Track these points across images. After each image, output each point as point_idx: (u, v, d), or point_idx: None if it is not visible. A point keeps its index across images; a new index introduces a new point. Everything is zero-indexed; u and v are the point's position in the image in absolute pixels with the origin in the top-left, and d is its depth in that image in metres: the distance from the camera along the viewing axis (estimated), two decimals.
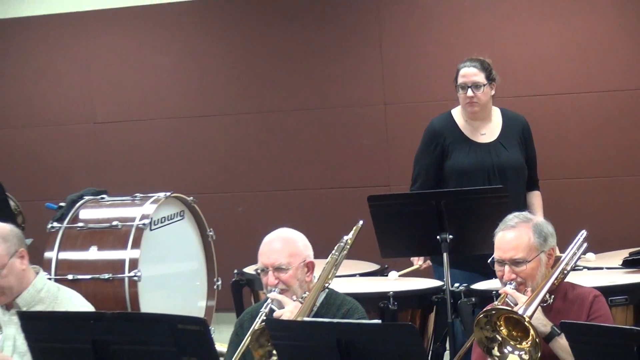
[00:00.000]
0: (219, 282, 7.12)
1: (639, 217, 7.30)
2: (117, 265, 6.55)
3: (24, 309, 4.95)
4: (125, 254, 6.54)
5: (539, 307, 4.26)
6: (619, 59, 7.62)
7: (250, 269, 5.86)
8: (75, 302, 5.18)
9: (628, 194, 7.50)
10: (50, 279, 5.82)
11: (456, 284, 5.69)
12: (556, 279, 4.40)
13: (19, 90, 9.29)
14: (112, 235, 6.66)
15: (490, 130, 6.30)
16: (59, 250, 6.67)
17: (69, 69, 9.15)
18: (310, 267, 4.92)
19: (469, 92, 6.13)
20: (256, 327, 4.64)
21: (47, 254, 6.48)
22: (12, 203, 6.88)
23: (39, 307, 5.00)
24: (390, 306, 5.63)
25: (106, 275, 6.53)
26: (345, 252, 5.00)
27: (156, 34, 8.91)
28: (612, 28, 7.71)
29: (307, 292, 4.83)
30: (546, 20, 7.85)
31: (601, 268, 5.75)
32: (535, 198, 6.11)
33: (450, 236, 5.62)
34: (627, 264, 5.76)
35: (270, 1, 8.50)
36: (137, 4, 8.90)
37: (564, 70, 7.78)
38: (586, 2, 7.76)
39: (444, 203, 5.74)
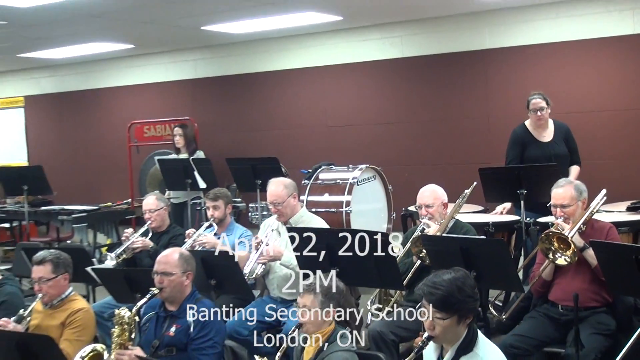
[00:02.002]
0: (394, 215, 7.13)
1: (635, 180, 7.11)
2: (339, 204, 6.64)
3: (293, 224, 5.05)
4: (343, 198, 6.62)
5: (577, 232, 4.19)
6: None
7: (411, 207, 5.87)
8: (317, 222, 5.25)
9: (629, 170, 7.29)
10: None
11: (527, 218, 5.63)
12: (587, 216, 4.31)
13: (281, 109, 9.44)
14: (336, 187, 6.75)
15: (547, 134, 6.20)
16: (308, 195, 6.81)
17: (311, 94, 9.26)
18: (445, 206, 4.93)
19: (538, 114, 6.06)
20: (414, 237, 4.67)
21: (302, 197, 6.59)
22: (283, 169, 7.01)
23: (300, 224, 5.08)
24: (490, 230, 5.59)
25: (333, 209, 6.63)
26: (465, 198, 5.00)
27: (369, 80, 8.94)
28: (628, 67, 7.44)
29: (443, 220, 4.83)
30: (585, 65, 7.61)
31: (612, 212, 5.60)
32: (573, 169, 5.97)
33: (525, 191, 5.57)
34: (629, 209, 5.67)
35: (423, 65, 8.45)
36: (356, 60, 8.96)
37: (594, 97, 7.52)
38: (612, 54, 7.48)
39: (522, 173, 5.68)
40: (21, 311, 4.32)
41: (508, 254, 4.73)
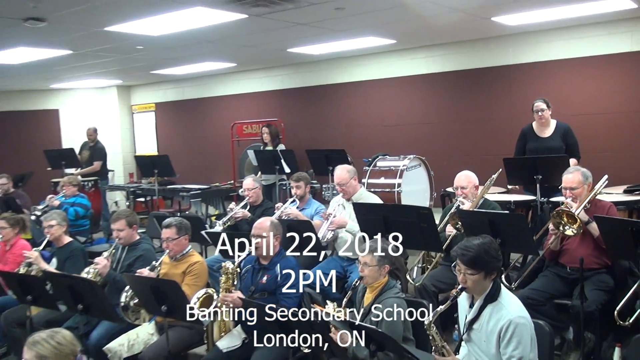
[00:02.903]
0: (434, 194, 7.03)
1: (634, 165, 6.89)
2: (392, 186, 6.58)
3: (354, 201, 5.03)
4: (395, 181, 6.56)
5: (582, 209, 4.06)
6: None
7: (449, 189, 5.79)
8: (373, 199, 5.23)
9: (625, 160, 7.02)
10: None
11: (542, 198, 5.49)
12: (591, 197, 4.16)
13: (348, 111, 9.42)
14: (390, 172, 6.68)
15: (548, 131, 6.02)
16: (368, 178, 6.77)
17: (371, 101, 9.20)
18: (476, 187, 4.84)
19: (539, 114, 5.94)
20: (452, 211, 4.60)
21: (363, 180, 6.56)
22: (349, 158, 6.98)
23: (360, 201, 5.07)
24: (511, 207, 5.47)
25: (387, 189, 6.57)
26: (492, 182, 4.89)
27: (416, 90, 8.83)
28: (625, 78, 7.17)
29: (474, 199, 4.74)
30: (590, 77, 7.36)
31: (611, 193, 5.40)
32: (571, 162, 5.66)
33: (540, 176, 5.41)
34: (625, 192, 5.52)
35: (458, 77, 8.31)
36: (406, 74, 8.85)
37: (596, 102, 7.26)
38: (612, 68, 7.23)
39: (538, 162, 5.52)
40: (154, 262, 4.44)
41: (526, 225, 4.64)
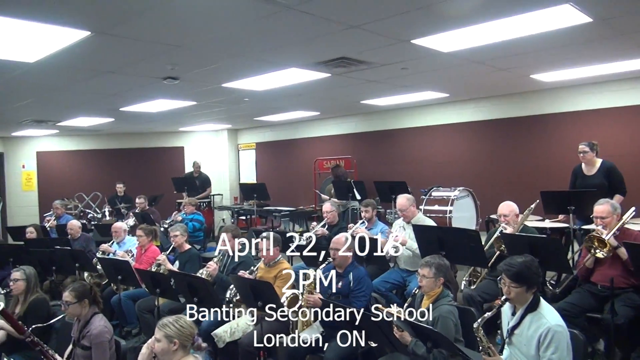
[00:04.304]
0: (480, 220, 6.80)
1: None
2: (444, 212, 6.43)
3: (414, 223, 4.91)
4: (447, 208, 6.40)
5: (612, 235, 3.79)
6: None
7: (492, 215, 5.55)
8: (429, 222, 5.09)
9: None
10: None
11: (575, 225, 5.17)
12: (620, 225, 3.89)
13: (409, 150, 9.30)
14: (443, 201, 6.53)
15: (592, 170, 5.63)
16: (424, 205, 6.63)
17: (427, 142, 9.04)
18: (517, 215, 4.62)
19: (581, 155, 5.60)
20: (496, 235, 4.41)
21: (420, 207, 6.43)
22: (409, 188, 6.83)
23: (418, 223, 4.94)
24: (548, 232, 5.19)
25: (440, 215, 6.41)
26: (531, 211, 4.68)
27: (465, 134, 8.64)
28: None
29: (515, 225, 4.53)
30: (613, 125, 6.89)
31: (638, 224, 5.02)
32: (615, 197, 5.25)
33: (573, 207, 5.11)
34: None
35: (502, 124, 8.02)
36: (456, 122, 8.67)
37: (620, 144, 6.80)
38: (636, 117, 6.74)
39: (571, 195, 5.23)
40: (252, 267, 4.50)
41: (562, 247, 4.38)
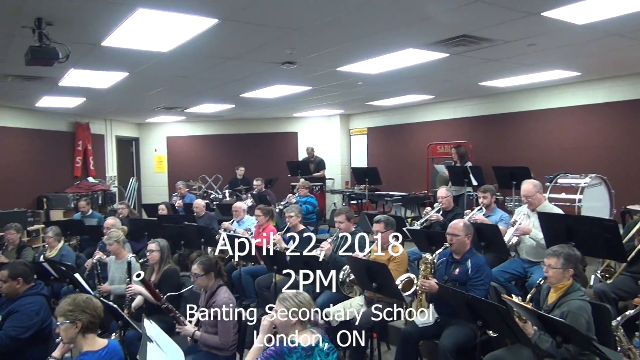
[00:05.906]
0: (614, 211, 6.14)
1: None
2: (572, 200, 5.88)
3: (538, 211, 4.54)
4: (576, 197, 5.84)
5: None
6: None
7: (630, 206, 4.98)
8: (556, 211, 4.66)
9: None
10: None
11: None
12: None
13: (531, 135, 8.67)
14: (571, 189, 5.98)
15: None
16: (549, 193, 6.11)
17: (551, 126, 8.35)
18: None
19: None
20: (638, 227, 3.95)
21: (544, 194, 5.96)
22: (532, 175, 6.38)
23: (545, 211, 4.54)
24: None
25: (567, 204, 5.85)
26: None
27: (596, 117, 7.84)
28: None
29: None
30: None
31: None
32: None
33: None
34: None
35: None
36: (586, 103, 7.89)
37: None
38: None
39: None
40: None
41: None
